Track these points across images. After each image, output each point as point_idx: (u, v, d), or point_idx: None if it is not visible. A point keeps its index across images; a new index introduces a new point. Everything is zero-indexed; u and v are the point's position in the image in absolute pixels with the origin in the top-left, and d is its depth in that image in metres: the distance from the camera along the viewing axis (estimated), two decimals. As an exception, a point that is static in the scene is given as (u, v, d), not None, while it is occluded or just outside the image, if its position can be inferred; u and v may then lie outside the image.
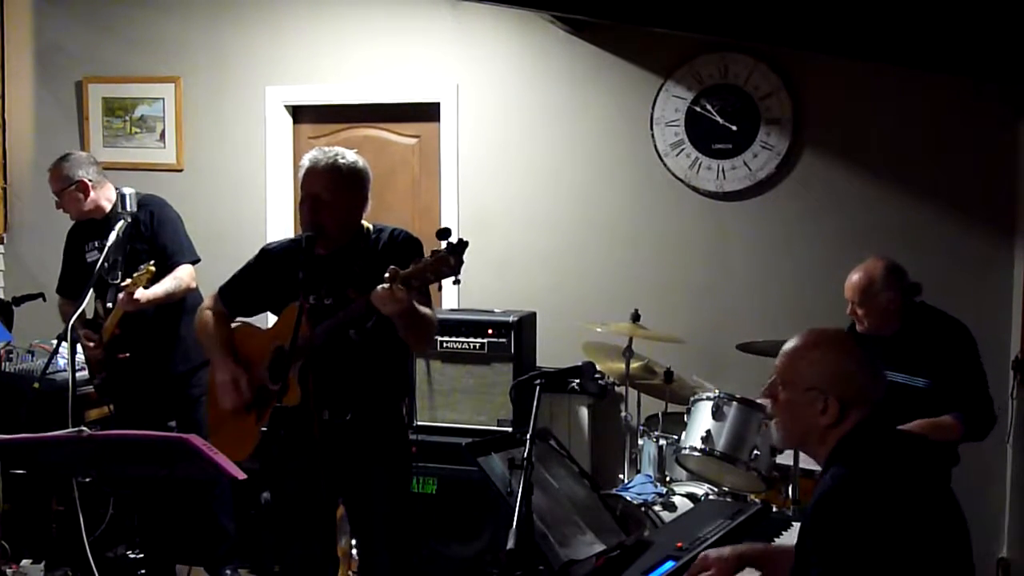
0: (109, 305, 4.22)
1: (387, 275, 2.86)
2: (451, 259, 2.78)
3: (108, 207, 4.40)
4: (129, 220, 4.24)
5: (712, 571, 2.39)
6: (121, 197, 4.25)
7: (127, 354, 4.28)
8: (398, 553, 3.33)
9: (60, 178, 4.35)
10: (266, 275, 3.38)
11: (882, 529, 2.00)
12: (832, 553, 2.01)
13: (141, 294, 4.08)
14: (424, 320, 3.12)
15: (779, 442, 2.31)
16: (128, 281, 4.06)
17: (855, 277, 3.98)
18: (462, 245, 2.78)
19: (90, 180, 4.36)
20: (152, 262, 4.10)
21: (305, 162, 3.26)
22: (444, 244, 2.81)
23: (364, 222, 3.32)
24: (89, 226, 4.44)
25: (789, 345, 2.28)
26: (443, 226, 2.90)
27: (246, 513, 4.50)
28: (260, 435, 3.20)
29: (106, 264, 4.18)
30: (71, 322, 4.03)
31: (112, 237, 4.18)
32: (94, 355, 4.33)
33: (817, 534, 2.05)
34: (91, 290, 4.23)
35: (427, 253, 2.89)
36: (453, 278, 2.80)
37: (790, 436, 2.29)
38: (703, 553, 2.45)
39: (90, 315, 4.40)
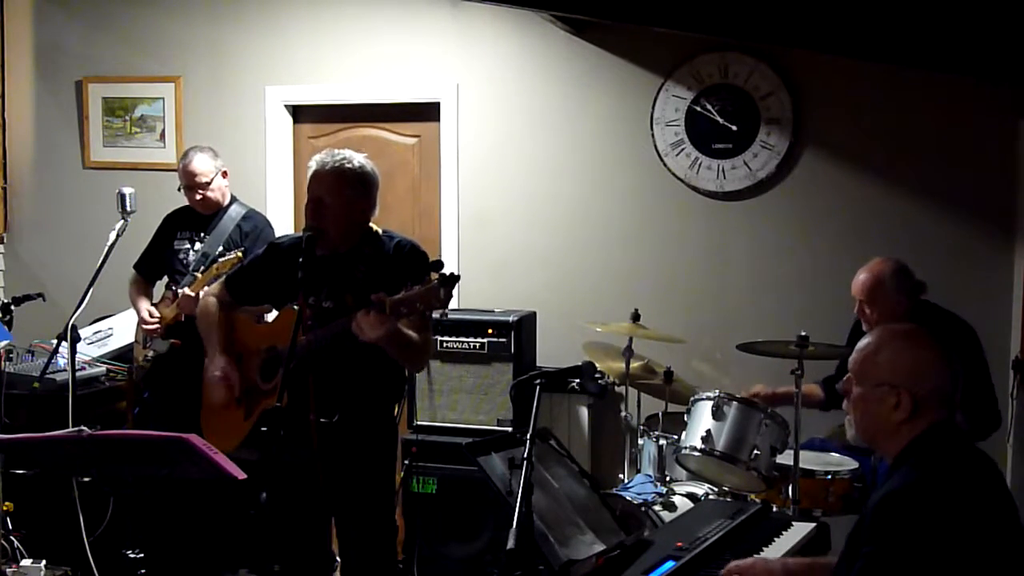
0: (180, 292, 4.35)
1: (372, 300, 2.87)
2: (441, 291, 2.81)
3: (221, 204, 4.50)
4: (128, 221, 4.25)
5: None
6: (121, 197, 4.26)
7: (179, 342, 4.34)
8: (375, 555, 3.33)
9: (210, 167, 4.45)
10: (272, 269, 3.40)
11: (944, 541, 1.98)
12: (887, 553, 1.99)
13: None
14: (412, 345, 3.14)
15: (852, 438, 2.28)
16: (198, 277, 4.17)
17: (862, 277, 3.97)
18: (453, 279, 2.82)
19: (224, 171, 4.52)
20: (242, 248, 4.21)
21: (312, 164, 3.29)
22: (436, 276, 2.82)
23: (373, 225, 3.32)
24: (187, 215, 4.53)
25: (864, 340, 2.24)
26: (436, 258, 2.95)
27: (245, 513, 4.49)
28: (249, 428, 3.24)
29: (193, 255, 4.37)
30: (70, 322, 4.05)
31: (112, 237, 4.21)
32: (150, 334, 4.43)
33: (877, 531, 2.02)
34: (165, 276, 4.42)
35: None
36: (440, 312, 2.83)
37: (863, 432, 2.24)
38: (752, 560, 2.45)
39: (157, 299, 4.51)
